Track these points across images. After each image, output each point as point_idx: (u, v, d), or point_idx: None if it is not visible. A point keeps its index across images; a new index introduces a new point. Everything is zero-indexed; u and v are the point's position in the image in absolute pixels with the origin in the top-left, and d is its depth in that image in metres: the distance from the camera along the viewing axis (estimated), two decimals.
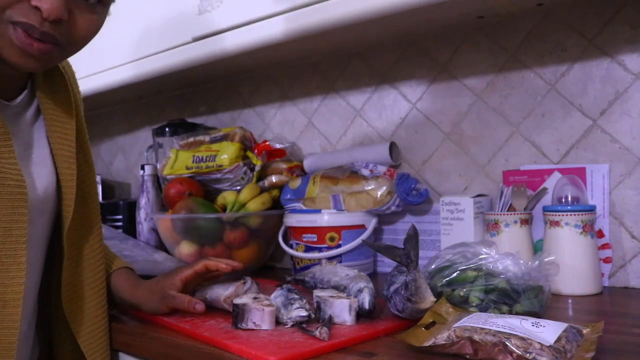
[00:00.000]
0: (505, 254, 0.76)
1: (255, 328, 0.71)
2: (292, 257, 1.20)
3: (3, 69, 0.70)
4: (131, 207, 1.47)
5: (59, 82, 0.81)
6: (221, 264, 0.82)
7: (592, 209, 0.90)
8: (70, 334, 0.81)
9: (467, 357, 0.58)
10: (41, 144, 0.79)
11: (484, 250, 0.77)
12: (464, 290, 0.73)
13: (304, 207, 1.18)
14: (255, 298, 0.75)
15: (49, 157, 0.79)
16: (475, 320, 0.60)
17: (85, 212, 0.83)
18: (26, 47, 0.64)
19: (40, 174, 0.76)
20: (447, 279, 0.75)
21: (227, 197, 1.24)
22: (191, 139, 1.35)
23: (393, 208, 1.12)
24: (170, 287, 0.81)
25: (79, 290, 0.82)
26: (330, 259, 1.12)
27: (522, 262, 0.74)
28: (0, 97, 0.73)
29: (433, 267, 0.78)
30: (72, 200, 0.79)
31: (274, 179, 1.27)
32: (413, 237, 0.71)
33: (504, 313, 0.70)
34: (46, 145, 0.79)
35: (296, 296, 0.76)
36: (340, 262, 1.12)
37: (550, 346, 0.54)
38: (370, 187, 1.12)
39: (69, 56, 0.74)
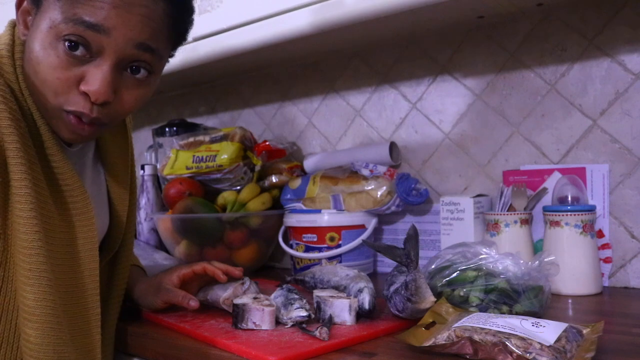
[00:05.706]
0: (505, 254, 0.76)
1: (255, 328, 0.71)
2: (292, 257, 1.20)
3: None
4: None
5: (119, 125, 0.84)
6: (220, 273, 0.81)
7: (592, 209, 0.90)
8: None
9: (467, 357, 0.58)
10: (99, 181, 0.81)
11: (484, 250, 0.77)
12: (464, 290, 0.73)
13: (304, 207, 1.18)
14: (255, 298, 0.75)
15: (105, 196, 0.81)
16: (475, 320, 0.60)
17: (125, 240, 0.85)
18: (78, 130, 0.68)
19: (98, 217, 0.76)
20: (447, 279, 0.75)
21: (227, 197, 1.24)
22: (191, 139, 1.35)
23: (393, 208, 1.12)
24: (167, 282, 0.82)
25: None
26: (330, 259, 1.12)
27: (522, 262, 0.74)
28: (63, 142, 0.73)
29: (433, 267, 0.78)
30: (120, 239, 0.82)
31: (274, 179, 1.27)
32: (413, 237, 0.71)
33: (504, 313, 0.70)
34: (103, 183, 0.81)
35: (296, 296, 0.76)
36: (340, 262, 1.12)
37: (550, 346, 0.54)
38: (370, 187, 1.12)
39: (117, 124, 0.77)
